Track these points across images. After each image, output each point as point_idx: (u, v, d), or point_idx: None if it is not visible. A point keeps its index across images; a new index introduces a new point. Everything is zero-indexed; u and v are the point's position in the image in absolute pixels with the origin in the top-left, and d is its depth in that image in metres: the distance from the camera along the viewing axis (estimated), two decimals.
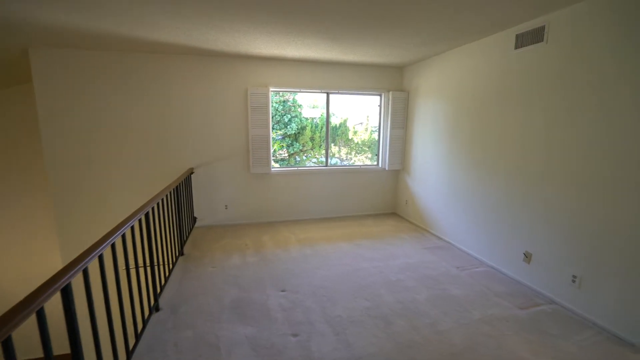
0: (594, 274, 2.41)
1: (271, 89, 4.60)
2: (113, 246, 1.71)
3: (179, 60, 4.16)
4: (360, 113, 7.74)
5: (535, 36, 2.80)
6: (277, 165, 5.63)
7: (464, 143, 3.74)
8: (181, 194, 3.55)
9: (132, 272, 2.03)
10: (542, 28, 2.72)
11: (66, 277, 1.20)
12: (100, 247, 1.53)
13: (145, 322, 2.22)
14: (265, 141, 4.62)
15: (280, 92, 6.16)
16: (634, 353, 2.12)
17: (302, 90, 4.79)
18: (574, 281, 2.53)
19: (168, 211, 2.97)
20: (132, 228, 2.03)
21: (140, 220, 2.19)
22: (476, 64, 3.49)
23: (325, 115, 5.26)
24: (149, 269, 2.34)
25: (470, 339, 2.21)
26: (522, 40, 2.92)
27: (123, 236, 1.86)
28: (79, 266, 1.32)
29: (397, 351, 2.10)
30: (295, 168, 5.04)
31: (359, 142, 7.88)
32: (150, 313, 2.35)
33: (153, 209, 2.48)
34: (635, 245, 2.15)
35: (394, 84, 5.05)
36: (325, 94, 4.95)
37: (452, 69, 3.89)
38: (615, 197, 2.25)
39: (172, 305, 2.57)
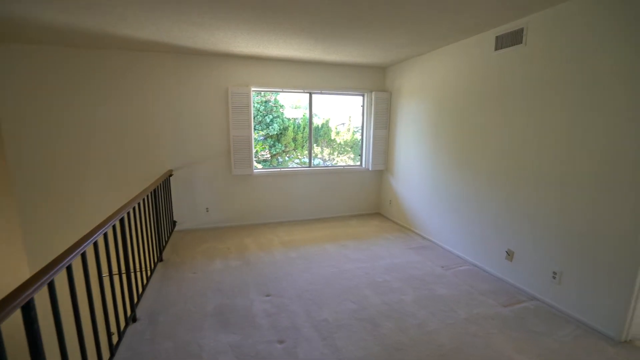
0: (572, 270, 2.47)
1: (253, 89, 4.50)
2: (84, 255, 1.59)
3: (155, 57, 4.00)
4: (343, 113, 7.73)
5: (514, 38, 2.85)
6: (259, 166, 5.53)
7: (446, 143, 3.77)
8: (159, 197, 3.41)
9: (107, 280, 1.90)
10: (521, 30, 2.78)
11: (27, 293, 1.08)
12: (69, 257, 1.41)
13: (121, 335, 2.09)
14: (247, 142, 4.51)
15: (262, 93, 6.06)
16: (612, 346, 2.18)
17: (284, 90, 4.72)
18: (554, 278, 2.59)
19: (145, 215, 2.83)
20: (106, 235, 1.90)
21: (114, 226, 2.06)
22: (458, 65, 3.54)
23: (307, 115, 5.19)
24: (124, 277, 2.21)
25: (458, 339, 2.21)
26: (502, 42, 2.97)
27: (95, 244, 1.73)
28: (43, 280, 1.20)
29: (385, 354, 2.06)
30: (278, 169, 4.96)
31: (342, 143, 7.88)
32: (127, 324, 2.21)
33: (129, 213, 2.34)
34: (610, 241, 2.22)
35: (376, 84, 5.06)
36: (308, 94, 4.90)
37: (434, 69, 3.92)
38: (592, 195, 2.31)
39: (151, 315, 2.44)
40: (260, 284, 2.96)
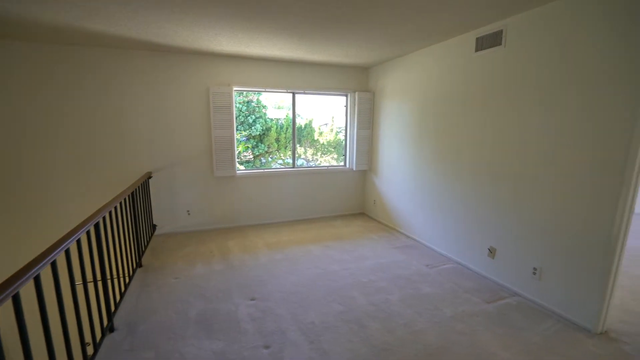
0: (551, 266, 2.53)
1: (235, 89, 4.41)
2: (54, 264, 1.49)
3: (131, 54, 3.85)
4: (326, 114, 7.72)
5: (494, 40, 2.91)
6: (242, 167, 5.43)
7: (428, 143, 3.82)
8: (138, 200, 3.27)
9: (80, 289, 1.79)
10: (500, 32, 2.84)
11: None
12: (37, 267, 1.31)
13: (97, 347, 1.98)
14: (229, 142, 4.41)
15: (244, 93, 5.97)
16: (589, 338, 2.25)
17: (267, 90, 4.65)
18: (534, 273, 2.66)
19: (123, 219, 2.71)
20: (79, 241, 1.79)
21: (89, 232, 1.95)
22: (439, 66, 3.58)
23: (290, 115, 5.14)
24: (100, 285, 2.10)
25: (444, 338, 2.22)
26: (482, 43, 3.03)
27: (67, 251, 1.63)
28: (7, 292, 1.11)
29: (373, 355, 2.05)
30: (262, 170, 4.88)
31: (325, 143, 7.87)
32: (103, 335, 2.10)
33: (105, 218, 2.23)
34: (585, 237, 2.29)
35: (359, 84, 5.07)
36: (291, 94, 4.85)
37: (416, 70, 3.96)
38: (568, 192, 2.38)
39: (129, 324, 2.33)
40: (245, 288, 2.89)
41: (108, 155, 3.93)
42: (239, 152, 7.22)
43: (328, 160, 7.62)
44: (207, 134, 4.35)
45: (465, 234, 3.34)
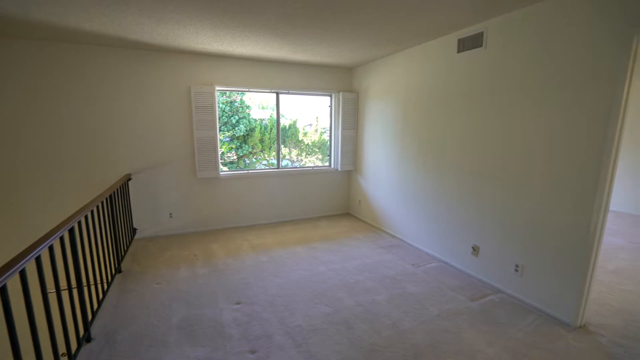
0: (532, 262, 2.60)
1: (217, 88, 4.32)
2: (23, 273, 1.40)
3: (108, 52, 3.70)
4: (310, 114, 7.70)
5: (475, 41, 2.96)
6: (225, 168, 5.33)
7: (412, 143, 3.85)
8: (117, 203, 3.15)
9: (54, 298, 1.70)
10: (481, 34, 2.89)
11: None
12: (3, 277, 1.23)
13: (72, 358, 1.88)
14: (212, 143, 4.32)
15: (227, 93, 5.88)
16: (568, 332, 2.32)
17: (251, 89, 4.58)
18: (516, 270, 2.72)
19: (100, 224, 2.60)
20: (52, 248, 1.70)
21: (62, 238, 1.85)
22: (422, 67, 3.62)
23: (275, 116, 5.09)
24: (76, 293, 2.00)
25: (431, 337, 2.23)
26: (464, 45, 3.08)
27: (38, 259, 1.54)
28: None
29: (361, 357, 2.04)
30: (246, 171, 4.81)
31: (309, 144, 7.84)
32: (79, 346, 2.00)
33: (80, 222, 2.13)
34: (563, 234, 2.36)
35: (344, 84, 5.07)
36: (275, 94, 4.79)
37: (400, 70, 3.99)
38: (547, 191, 2.44)
39: (108, 333, 2.24)
40: (230, 292, 2.82)
41: (83, 158, 3.77)
42: (222, 153, 7.11)
43: (313, 161, 7.58)
44: (189, 134, 4.24)
45: (450, 232, 3.38)
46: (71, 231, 1.94)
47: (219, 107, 6.78)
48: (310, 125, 7.78)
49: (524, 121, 2.59)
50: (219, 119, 7.20)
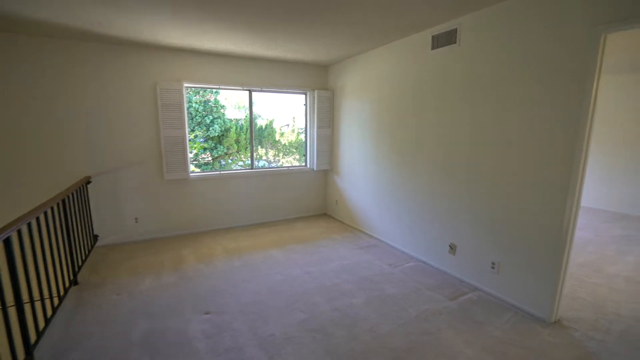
0: (508, 259, 2.59)
1: (186, 85, 4.10)
2: None
3: (65, 45, 3.41)
4: (287, 114, 7.55)
5: (449, 38, 2.94)
6: (198, 170, 5.09)
7: (388, 141, 3.81)
8: (72, 208, 2.88)
9: None
10: (455, 30, 2.87)
11: None
12: None
13: None
14: (180, 143, 4.09)
15: (201, 92, 5.65)
16: (544, 328, 2.32)
17: (222, 87, 4.39)
18: (493, 267, 2.71)
19: (51, 231, 2.34)
20: None
21: None
22: (397, 64, 3.58)
23: (249, 115, 4.90)
24: (15, 312, 1.76)
25: (411, 340, 2.16)
26: (438, 42, 3.05)
27: None
28: None
29: None
30: (218, 172, 4.59)
31: (286, 144, 7.69)
32: None
33: (21, 231, 1.89)
34: (537, 230, 2.36)
35: (319, 82, 4.97)
36: (248, 92, 4.62)
37: (375, 68, 3.94)
38: (522, 188, 2.44)
39: (56, 354, 2.00)
40: (199, 301, 2.64)
41: (36, 158, 3.45)
42: (196, 154, 6.82)
43: (290, 161, 7.44)
44: (156, 134, 3.99)
45: (427, 231, 3.35)
46: (7, 242, 1.71)
47: (191, 106, 6.49)
48: (288, 125, 7.63)
49: (498, 119, 2.58)
50: (192, 118, 6.94)
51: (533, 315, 2.45)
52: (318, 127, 4.90)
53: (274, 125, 7.61)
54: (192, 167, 6.79)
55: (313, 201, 5.27)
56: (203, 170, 6.77)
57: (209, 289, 2.83)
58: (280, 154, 7.75)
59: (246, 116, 5.68)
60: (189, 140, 6.43)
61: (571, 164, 2.16)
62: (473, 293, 2.78)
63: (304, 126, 5.26)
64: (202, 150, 7.16)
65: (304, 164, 5.33)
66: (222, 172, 4.58)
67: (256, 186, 4.76)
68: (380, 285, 2.90)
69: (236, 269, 3.22)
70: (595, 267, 3.36)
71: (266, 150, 7.71)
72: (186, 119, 4.12)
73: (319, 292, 2.77)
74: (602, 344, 2.16)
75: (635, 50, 3.95)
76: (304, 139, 5.31)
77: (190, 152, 6.60)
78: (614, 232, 4.53)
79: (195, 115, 7.06)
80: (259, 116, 7.39)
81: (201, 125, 7.15)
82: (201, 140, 7.32)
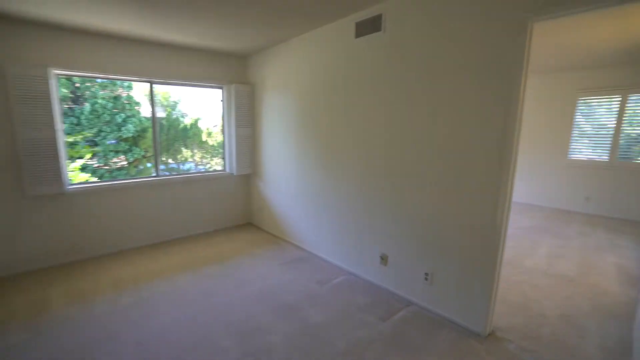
0: (441, 268, 2.37)
1: (56, 72, 3.17)
2: None
3: None
4: (216, 113, 6.92)
5: (373, 25, 2.62)
6: (94, 178, 4.09)
7: (313, 140, 3.40)
8: None
9: None
10: (380, 17, 2.56)
11: None
12: None
13: None
14: (50, 147, 3.15)
15: (110, 85, 4.67)
16: (480, 343, 2.14)
17: (112, 76, 3.53)
18: (426, 279, 2.47)
19: None
20: None
21: None
22: (321, 54, 3.18)
23: (175, 114, 4.09)
24: None
25: None
26: (362, 29, 2.72)
27: None
28: None
29: None
30: (109, 183, 3.68)
31: (215, 145, 6.93)
32: None
33: None
34: (470, 239, 2.16)
35: (237, 75, 4.37)
36: (149, 84, 3.82)
37: (298, 58, 3.50)
38: (452, 191, 2.22)
39: None
40: None
41: None
42: (89, 158, 5.69)
43: (221, 163, 6.78)
44: (8, 136, 2.99)
45: (357, 240, 3.03)
46: None
47: (97, 102, 5.46)
48: (216, 126, 6.92)
49: (428, 115, 2.33)
50: (99, 117, 5.79)
51: (468, 329, 2.25)
52: (237, 126, 4.31)
53: (200, 125, 6.87)
54: (87, 176, 5.69)
55: (235, 210, 4.65)
56: (100, 179, 5.72)
57: (75, 346, 2.09)
58: (209, 156, 7.01)
59: (168, 113, 4.80)
60: (73, 143, 5.34)
61: (500, 167, 1.98)
62: (407, 309, 2.51)
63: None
64: (115, 154, 6.14)
65: (223, 167, 4.68)
66: (115, 183, 3.69)
67: (164, 196, 3.98)
68: (305, 312, 2.47)
69: (123, 310, 2.50)
70: (516, 262, 3.41)
71: (192, 151, 6.93)
72: (57, 115, 3.19)
73: (229, 332, 2.22)
74: (535, 354, 2.03)
75: (538, 52, 4.16)
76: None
77: (75, 159, 5.51)
78: (524, 224, 4.81)
79: (103, 113, 5.95)
80: (185, 115, 6.62)
81: (111, 124, 6.06)
82: (112, 141, 6.25)
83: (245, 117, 4.35)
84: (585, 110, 5.37)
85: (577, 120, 5.44)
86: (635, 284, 2.96)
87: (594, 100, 5.25)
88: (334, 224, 3.26)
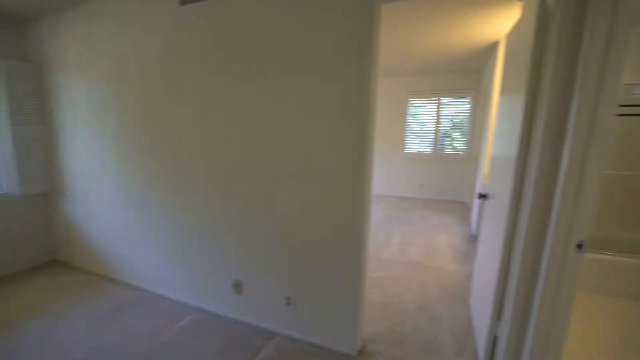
0: (303, 291, 2.03)
1: None
2: None
3: None
4: None
5: None
6: None
7: (139, 139, 2.54)
8: None
9: None
10: None
11: None
12: None
13: None
14: None
15: None
16: None
17: None
18: (288, 303, 2.08)
19: None
20: None
21: None
22: (139, 25, 2.34)
23: None
24: None
25: None
26: None
27: None
28: None
29: None
30: None
31: None
32: None
33: None
34: (328, 251, 1.88)
35: (9, 47, 2.96)
36: None
37: (109, 30, 2.50)
38: (310, 198, 1.89)
39: None
40: None
41: None
42: None
43: None
44: None
45: (204, 268, 2.39)
46: None
47: None
48: None
49: (270, 107, 1.91)
50: None
51: (337, 351, 1.99)
52: (17, 124, 2.93)
53: None
54: None
55: (27, 246, 3.21)
56: None
57: None
58: None
59: None
60: None
61: (354, 180, 1.74)
62: (270, 344, 2.06)
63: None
64: None
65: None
66: None
67: None
68: None
69: None
70: (374, 256, 3.47)
71: None
72: None
73: None
74: None
75: (381, 55, 4.45)
76: None
77: None
78: (378, 215, 5.17)
79: None
80: None
81: None
82: None
83: (29, 109, 3.00)
84: (413, 110, 6.30)
85: (408, 118, 6.31)
86: (465, 260, 3.40)
87: (418, 102, 6.20)
88: (175, 250, 2.51)
